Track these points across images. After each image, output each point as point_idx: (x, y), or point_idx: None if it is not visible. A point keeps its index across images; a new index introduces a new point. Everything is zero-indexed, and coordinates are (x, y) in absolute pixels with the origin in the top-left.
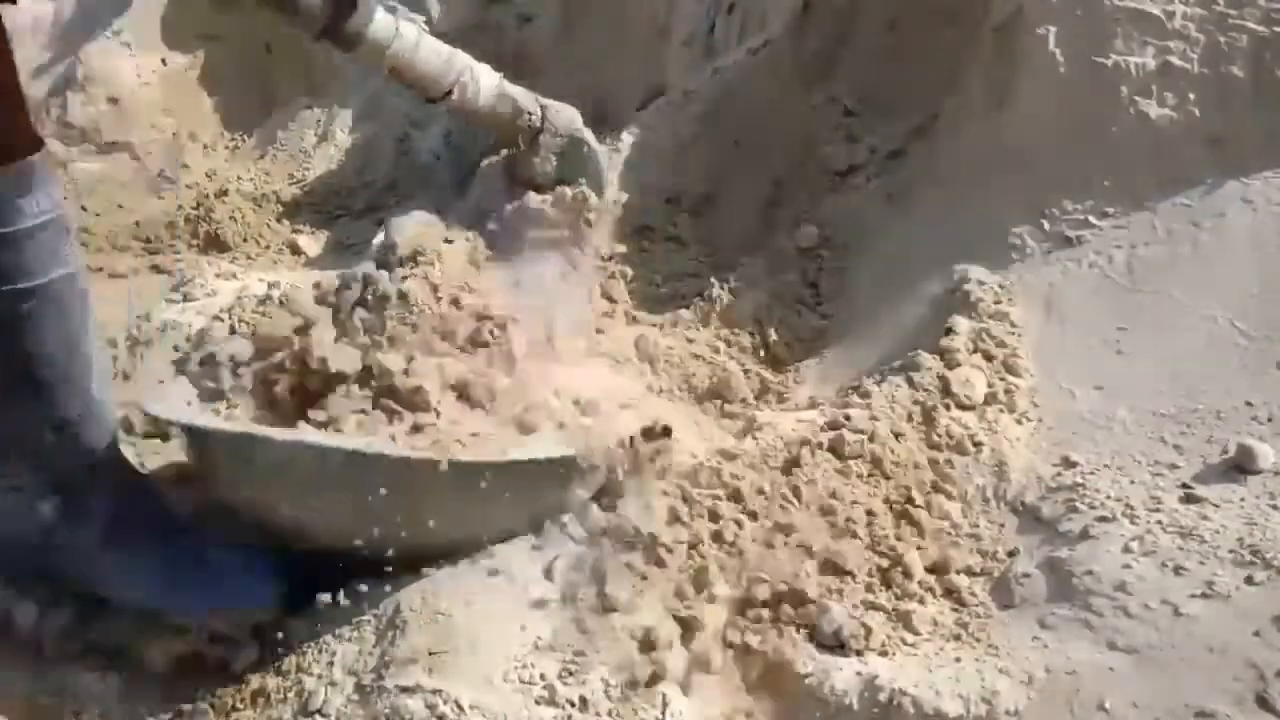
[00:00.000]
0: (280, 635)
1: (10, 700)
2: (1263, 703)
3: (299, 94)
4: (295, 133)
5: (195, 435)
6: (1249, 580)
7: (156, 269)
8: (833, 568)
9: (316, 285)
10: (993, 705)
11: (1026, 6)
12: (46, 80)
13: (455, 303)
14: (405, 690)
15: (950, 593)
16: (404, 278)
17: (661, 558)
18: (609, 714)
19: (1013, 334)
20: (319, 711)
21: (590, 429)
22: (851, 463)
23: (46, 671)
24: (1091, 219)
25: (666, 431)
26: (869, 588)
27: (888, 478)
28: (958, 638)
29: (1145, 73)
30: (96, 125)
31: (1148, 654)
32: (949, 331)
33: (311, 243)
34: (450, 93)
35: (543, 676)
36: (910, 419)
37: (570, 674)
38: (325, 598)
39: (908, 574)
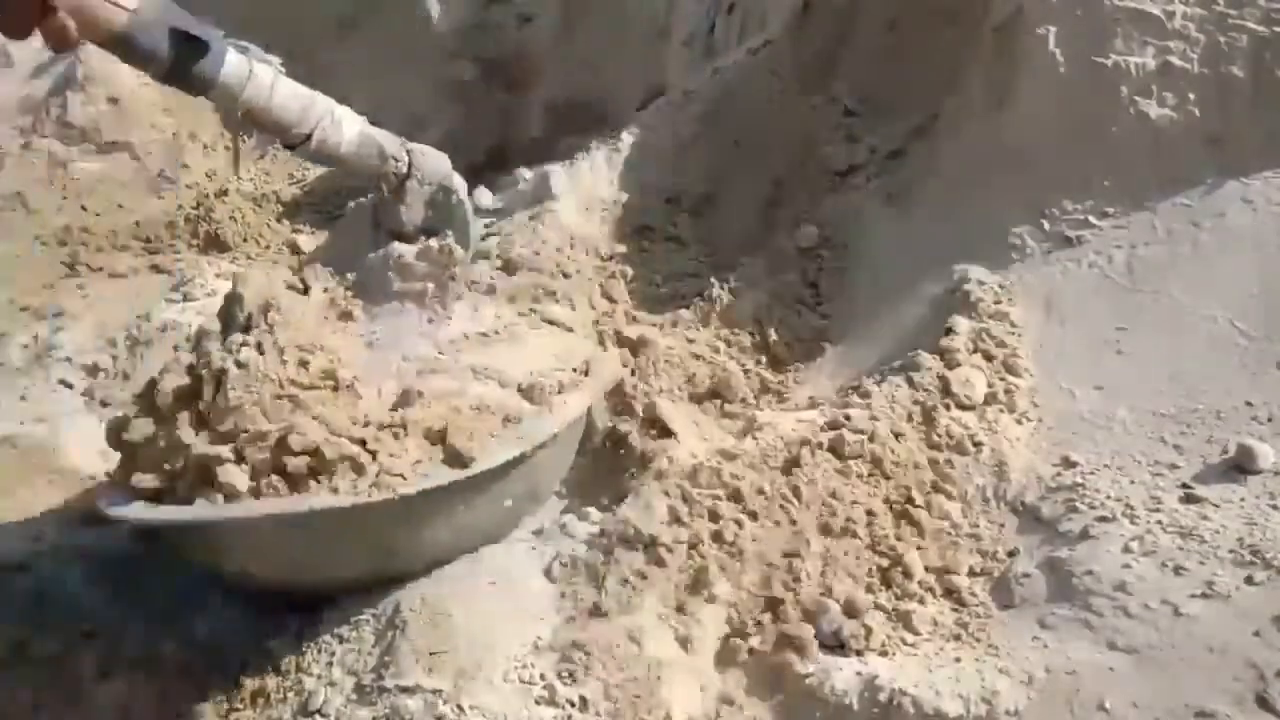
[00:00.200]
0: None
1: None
2: (1263, 703)
3: None
4: None
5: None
6: (1249, 580)
7: (156, 269)
8: (833, 568)
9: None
10: (993, 705)
11: (1026, 6)
12: (46, 80)
13: (304, 364)
14: (405, 690)
15: (950, 593)
16: (243, 344)
17: (661, 558)
18: (609, 714)
19: (1013, 334)
20: (319, 711)
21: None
22: (851, 463)
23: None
24: (1091, 219)
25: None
26: (869, 588)
27: (888, 478)
28: (958, 638)
29: (1145, 73)
30: (96, 125)
31: (1148, 654)
32: (949, 331)
33: (311, 243)
34: (310, 137)
35: (543, 676)
36: (910, 419)
37: (570, 674)
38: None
39: (908, 574)
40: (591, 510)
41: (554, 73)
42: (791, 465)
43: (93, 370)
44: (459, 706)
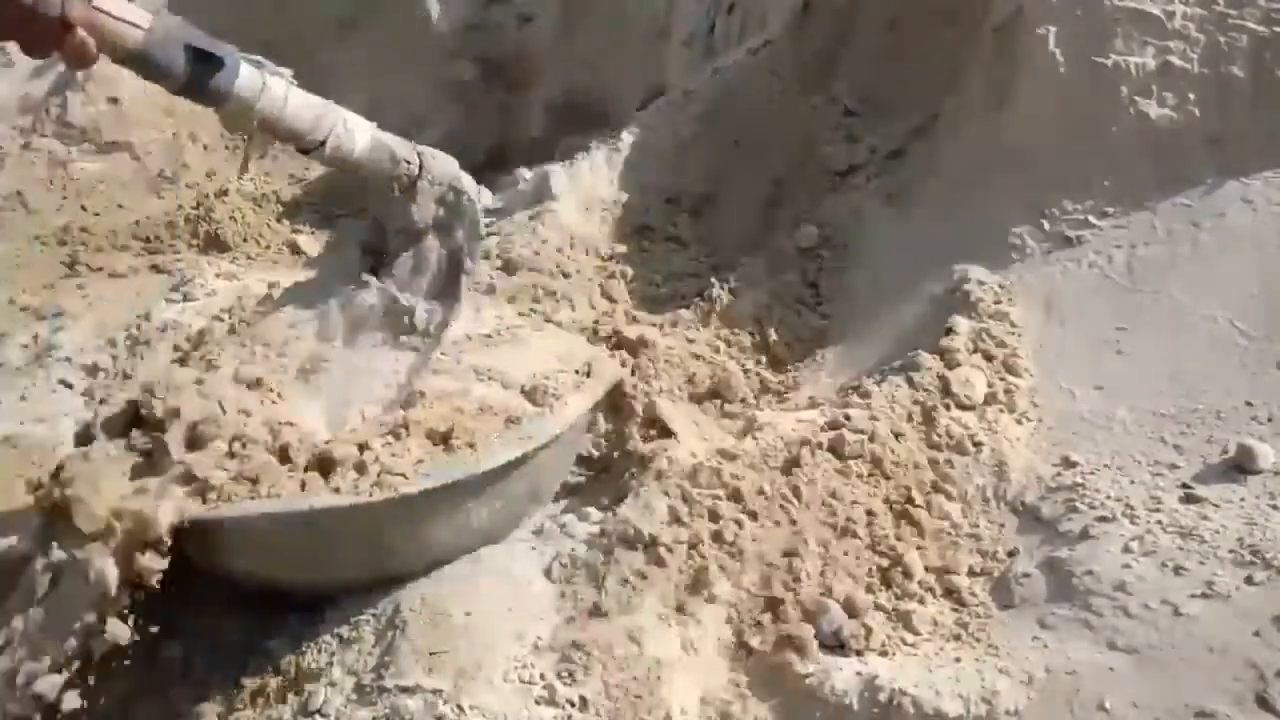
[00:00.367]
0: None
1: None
2: (1263, 703)
3: None
4: None
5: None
6: (1249, 580)
7: (156, 269)
8: (833, 568)
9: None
10: (993, 705)
11: (1026, 6)
12: (46, 80)
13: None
14: (405, 690)
15: (950, 593)
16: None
17: (661, 558)
18: (609, 714)
19: (1013, 334)
20: (319, 711)
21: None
22: (852, 463)
23: None
24: (1091, 219)
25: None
26: (869, 588)
27: (888, 478)
28: (958, 638)
29: (1145, 73)
30: (96, 125)
31: (1148, 654)
32: (949, 331)
33: (311, 243)
34: (324, 144)
35: (542, 676)
36: (910, 419)
37: (570, 674)
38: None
39: (908, 574)
40: (591, 510)
41: (554, 73)
42: (791, 465)
43: (93, 370)
44: (459, 706)
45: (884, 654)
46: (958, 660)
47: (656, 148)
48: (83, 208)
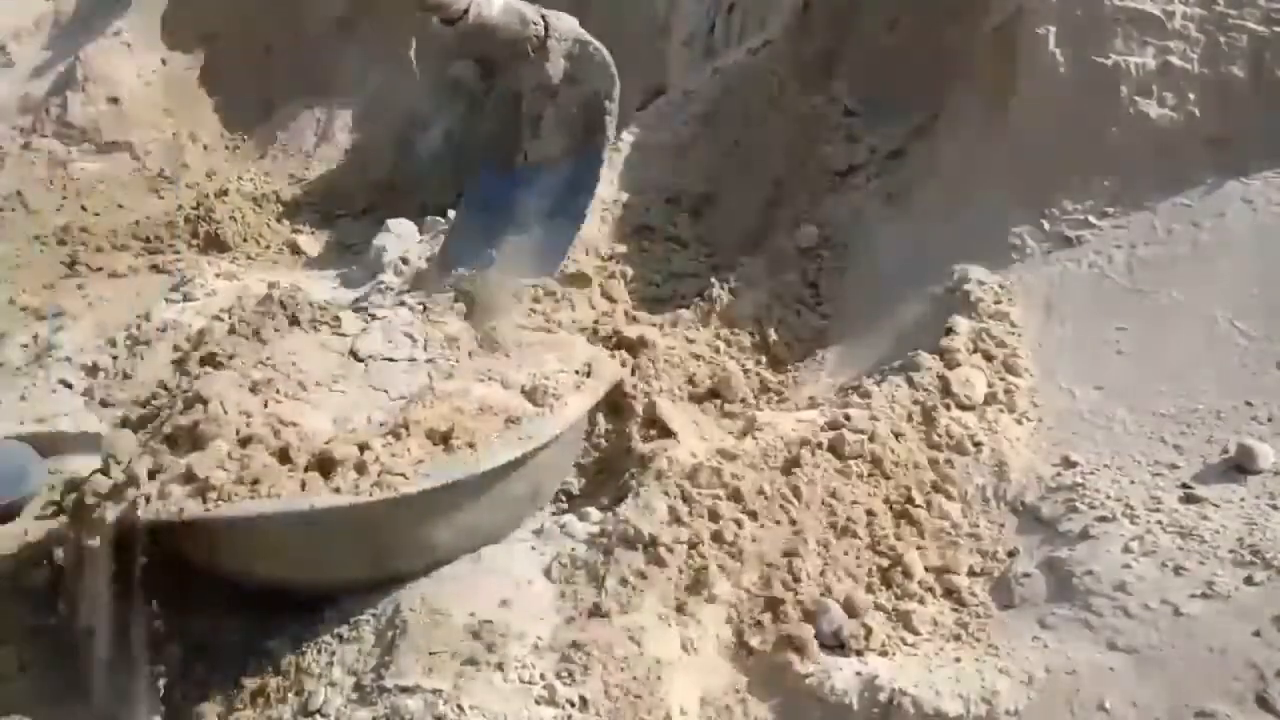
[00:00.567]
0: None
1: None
2: (1263, 703)
3: (299, 94)
4: (295, 133)
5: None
6: (1249, 580)
7: (156, 269)
8: (833, 568)
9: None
10: (993, 705)
11: (1026, 6)
12: (46, 80)
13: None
14: (405, 690)
15: (950, 593)
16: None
17: (661, 558)
18: (609, 714)
19: (1013, 334)
20: (319, 711)
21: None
22: (851, 463)
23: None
24: (1091, 219)
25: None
26: (869, 588)
27: (888, 478)
28: (958, 638)
29: (1145, 73)
30: (96, 125)
31: (1148, 654)
32: (949, 331)
33: (311, 243)
34: (467, 11)
35: (543, 676)
36: (910, 419)
37: (570, 674)
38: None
39: (908, 574)
40: (591, 510)
41: None
42: (791, 465)
43: (93, 370)
44: (459, 706)
45: (884, 654)
46: (958, 660)
47: (656, 148)
48: (83, 208)
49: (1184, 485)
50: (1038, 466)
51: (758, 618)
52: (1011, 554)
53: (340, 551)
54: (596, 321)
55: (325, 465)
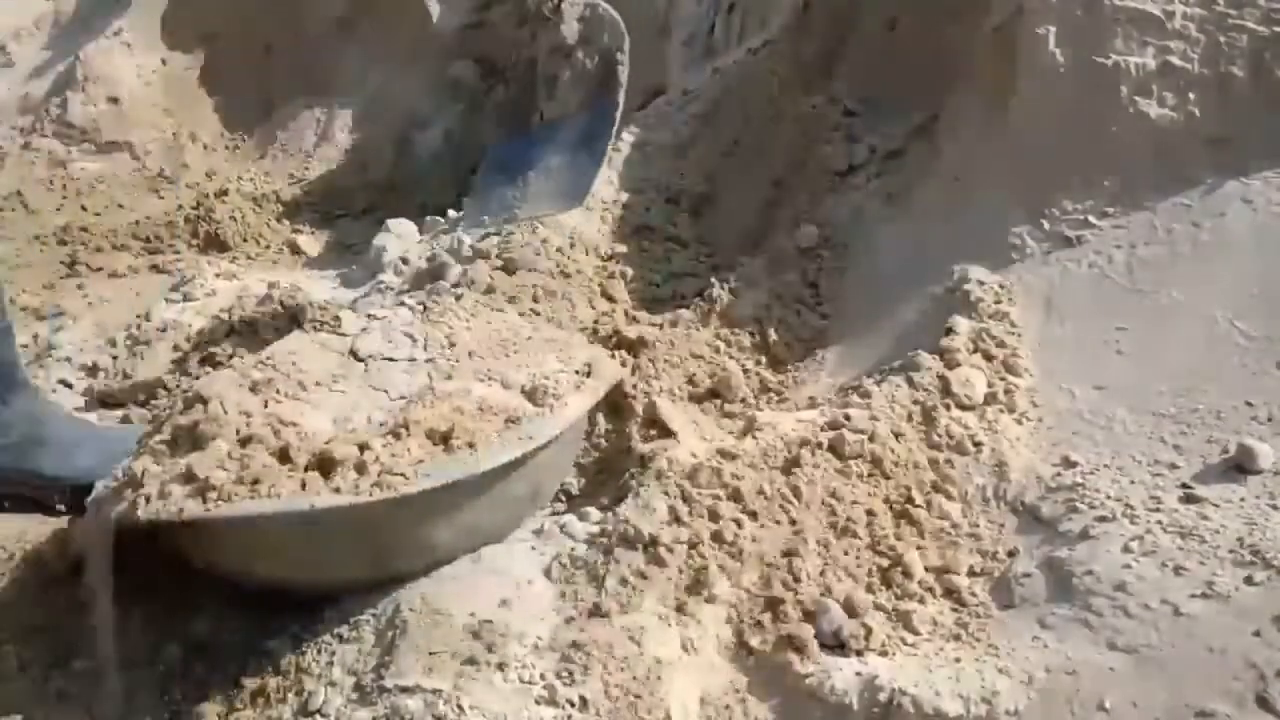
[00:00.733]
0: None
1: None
2: (1263, 703)
3: (299, 94)
4: (295, 133)
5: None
6: (1249, 580)
7: (156, 269)
8: (833, 568)
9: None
10: (993, 705)
11: (1026, 6)
12: (46, 80)
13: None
14: (405, 690)
15: (950, 593)
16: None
17: (661, 557)
18: (609, 714)
19: (1013, 334)
20: (319, 711)
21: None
22: (852, 462)
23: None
24: (1091, 219)
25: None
26: (869, 588)
27: (888, 478)
28: (958, 638)
29: (1145, 73)
30: (96, 125)
31: (1148, 654)
32: (949, 331)
33: (311, 243)
34: None
35: (543, 676)
36: (910, 419)
37: (570, 674)
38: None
39: (908, 574)
40: (591, 510)
41: None
42: (791, 465)
43: (93, 370)
44: (459, 706)
45: (884, 654)
46: (958, 660)
47: (656, 148)
48: (83, 208)
49: (1184, 485)
50: (1038, 466)
51: (758, 618)
52: (1011, 554)
53: (340, 551)
54: (596, 321)
55: (325, 465)
